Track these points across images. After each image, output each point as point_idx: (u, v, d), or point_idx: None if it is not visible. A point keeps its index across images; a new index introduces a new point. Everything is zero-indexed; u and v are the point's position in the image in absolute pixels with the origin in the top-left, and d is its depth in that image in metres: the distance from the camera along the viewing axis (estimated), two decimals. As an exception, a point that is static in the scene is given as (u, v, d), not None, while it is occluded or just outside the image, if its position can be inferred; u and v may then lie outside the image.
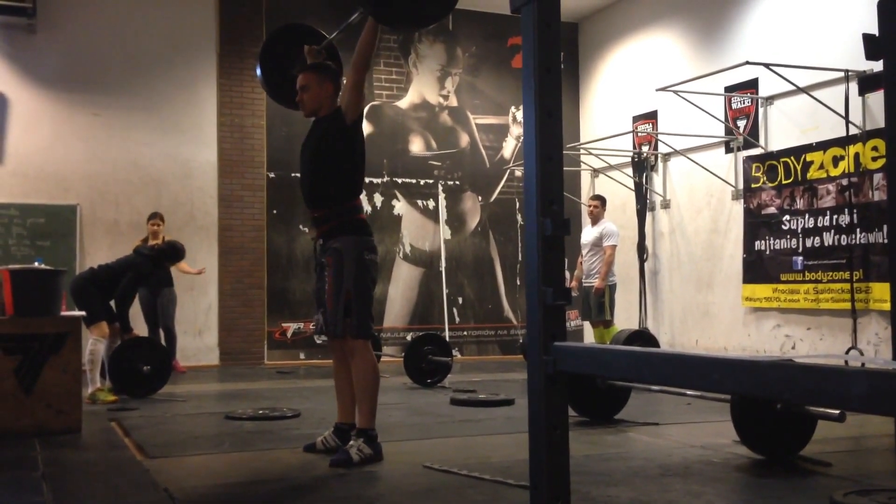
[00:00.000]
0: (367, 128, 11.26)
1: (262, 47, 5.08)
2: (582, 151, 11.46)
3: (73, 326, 5.22)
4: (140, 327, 8.49)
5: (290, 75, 4.56)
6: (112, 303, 6.90)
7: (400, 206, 11.33)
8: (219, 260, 10.41)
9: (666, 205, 10.63)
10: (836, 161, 8.22)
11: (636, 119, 11.15)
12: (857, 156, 7.97)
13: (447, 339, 10.29)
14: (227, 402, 6.73)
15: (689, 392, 5.02)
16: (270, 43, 5.05)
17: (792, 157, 8.71)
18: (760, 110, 9.24)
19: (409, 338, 10.42)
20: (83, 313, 6.08)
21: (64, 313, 5.54)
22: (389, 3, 3.81)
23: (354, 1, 3.92)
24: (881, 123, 7.73)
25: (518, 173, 11.67)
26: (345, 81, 4.34)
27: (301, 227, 10.66)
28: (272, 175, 10.72)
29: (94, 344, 6.57)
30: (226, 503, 3.42)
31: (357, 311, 4.11)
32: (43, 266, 5.81)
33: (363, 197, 11.09)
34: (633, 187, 10.80)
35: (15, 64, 9.79)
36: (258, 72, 4.97)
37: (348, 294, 4.10)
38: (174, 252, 7.32)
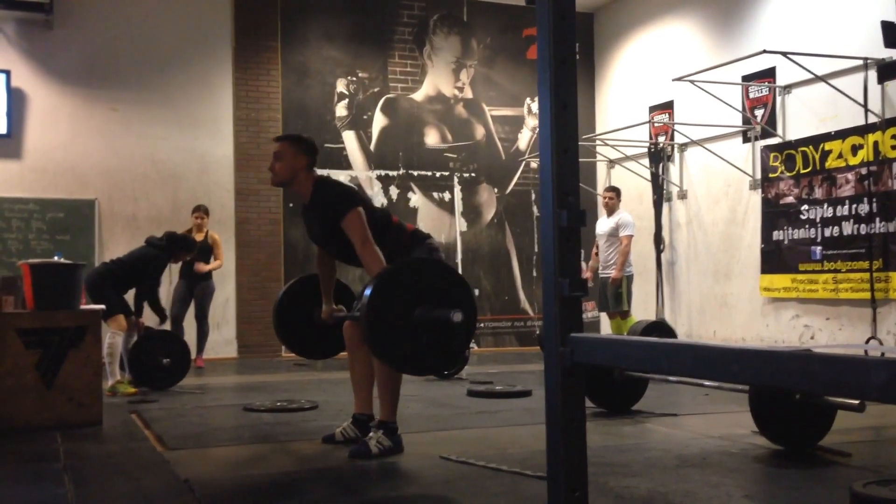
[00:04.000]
0: (382, 120, 11.27)
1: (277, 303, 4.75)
2: (598, 142, 11.42)
3: (93, 320, 5.27)
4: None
5: (313, 321, 4.56)
6: (131, 295, 6.98)
7: (416, 198, 11.33)
8: (236, 253, 10.46)
9: (683, 195, 10.58)
10: (854, 150, 8.15)
11: (652, 109, 11.09)
12: (875, 144, 7.90)
13: (464, 330, 10.28)
14: (246, 394, 6.77)
15: (706, 383, 5.00)
16: (286, 298, 4.74)
17: (810, 147, 8.65)
18: (778, 99, 9.18)
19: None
20: (103, 307, 6.13)
21: (83, 307, 5.59)
22: (383, 347, 3.72)
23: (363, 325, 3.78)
24: (901, 111, 7.67)
25: (534, 165, 11.65)
26: (352, 232, 4.08)
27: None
28: (288, 168, 10.74)
29: (113, 337, 6.63)
30: (245, 494, 3.45)
31: None
32: (62, 260, 5.86)
33: (379, 190, 11.15)
34: (649, 178, 10.75)
35: (33, 60, 9.86)
36: (278, 334, 4.76)
37: None
38: (185, 243, 7.43)
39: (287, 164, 4.24)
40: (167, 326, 7.67)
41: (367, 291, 3.67)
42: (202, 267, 8.78)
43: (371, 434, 4.07)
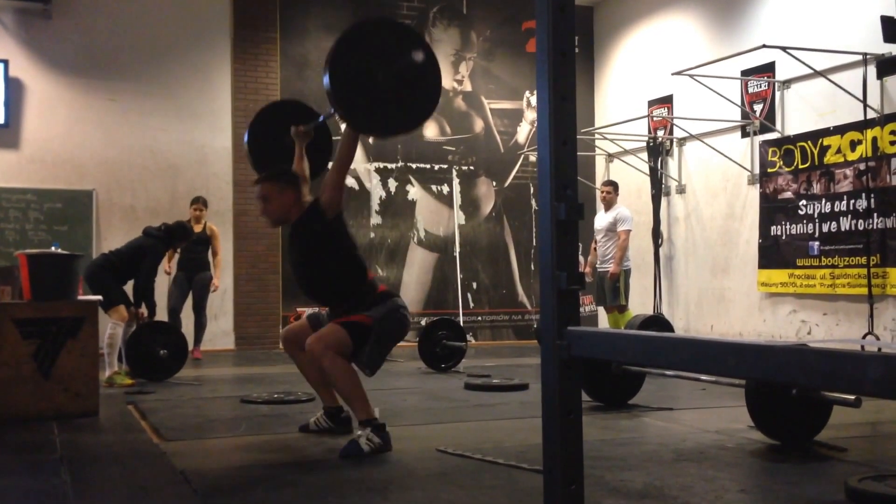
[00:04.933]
0: (381, 113, 11.23)
1: (252, 121, 4.99)
2: (597, 136, 11.42)
3: (91, 310, 5.26)
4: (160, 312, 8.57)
5: (282, 144, 4.61)
6: (131, 287, 6.97)
7: (414, 191, 11.33)
8: (234, 245, 10.46)
9: (681, 190, 10.58)
10: (853, 145, 8.15)
11: (651, 103, 11.09)
12: (874, 140, 7.90)
13: (461, 323, 10.30)
14: (243, 385, 6.78)
15: (703, 377, 5.01)
16: (260, 117, 4.94)
17: (809, 142, 8.65)
18: (777, 94, 9.17)
19: (423, 322, 10.43)
20: (100, 297, 6.13)
21: (81, 297, 5.59)
22: (360, 115, 3.88)
23: (332, 105, 3.89)
24: (900, 107, 7.67)
25: (532, 158, 11.64)
26: (327, 177, 4.20)
27: (315, 212, 10.67)
28: (287, 160, 10.73)
29: (113, 328, 6.62)
30: (241, 486, 3.45)
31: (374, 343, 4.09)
32: (60, 251, 5.86)
33: (378, 182, 11.14)
34: (648, 172, 10.75)
35: (31, 50, 9.83)
36: (246, 140, 4.90)
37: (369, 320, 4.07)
38: (183, 232, 7.41)
39: (276, 205, 4.20)
40: (158, 318, 7.65)
41: (326, 79, 3.73)
42: (216, 283, 9.02)
43: (359, 432, 4.00)
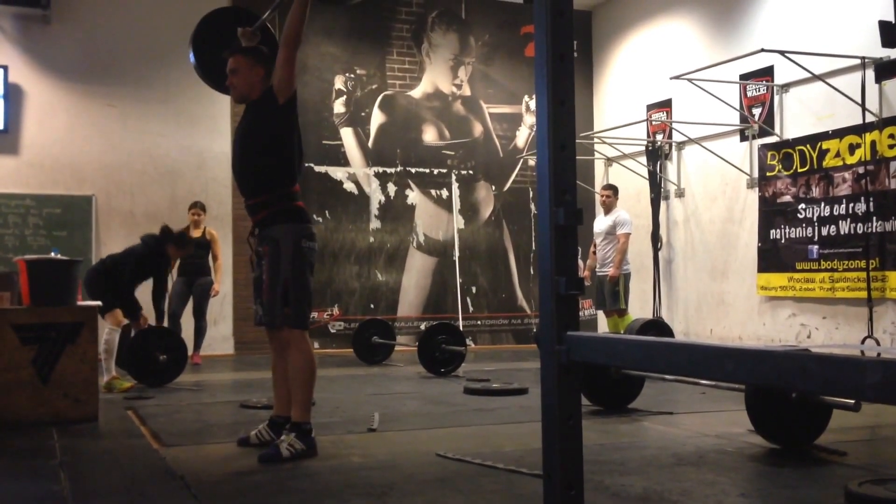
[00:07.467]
0: (380, 117, 11.25)
1: (193, 32, 4.95)
2: (595, 140, 11.42)
3: (90, 316, 5.26)
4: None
5: (224, 58, 4.47)
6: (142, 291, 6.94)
7: (413, 195, 11.33)
8: (233, 250, 10.45)
9: (680, 193, 10.58)
10: (852, 149, 8.16)
11: (650, 107, 11.09)
12: (873, 143, 7.91)
13: (461, 328, 10.30)
14: (242, 391, 6.77)
15: (703, 381, 5.01)
16: (202, 27, 4.92)
17: (808, 145, 8.65)
18: (776, 98, 9.18)
19: (422, 327, 10.43)
20: (98, 303, 6.12)
21: (80, 303, 5.58)
22: None
23: None
24: (898, 111, 7.67)
25: (531, 162, 11.65)
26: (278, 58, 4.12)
27: (314, 216, 10.68)
28: (286, 165, 10.73)
29: (110, 333, 6.62)
30: (241, 491, 3.45)
31: (295, 300, 3.99)
32: (59, 256, 5.85)
33: (377, 186, 11.14)
34: (647, 176, 10.76)
35: (30, 55, 9.84)
36: (191, 58, 4.85)
37: (286, 283, 3.99)
38: (177, 240, 7.16)
39: (244, 78, 4.15)
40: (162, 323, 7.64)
41: None
42: (217, 288, 9.00)
43: (283, 437, 3.95)
